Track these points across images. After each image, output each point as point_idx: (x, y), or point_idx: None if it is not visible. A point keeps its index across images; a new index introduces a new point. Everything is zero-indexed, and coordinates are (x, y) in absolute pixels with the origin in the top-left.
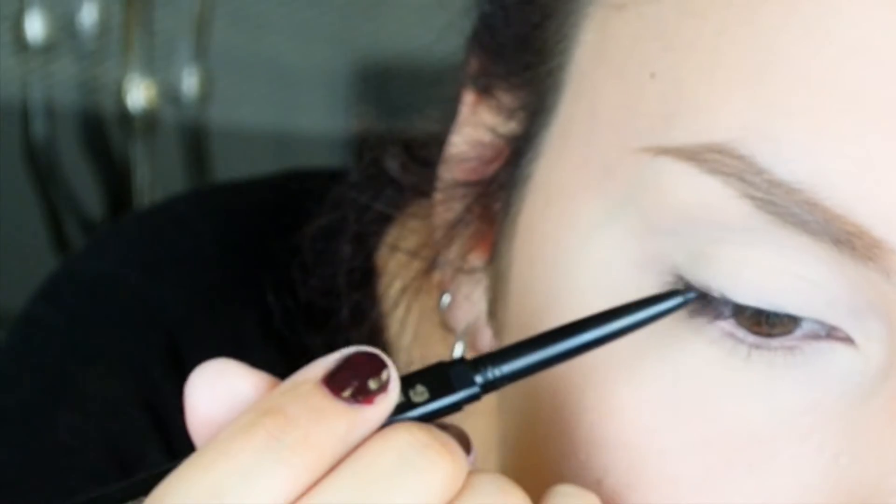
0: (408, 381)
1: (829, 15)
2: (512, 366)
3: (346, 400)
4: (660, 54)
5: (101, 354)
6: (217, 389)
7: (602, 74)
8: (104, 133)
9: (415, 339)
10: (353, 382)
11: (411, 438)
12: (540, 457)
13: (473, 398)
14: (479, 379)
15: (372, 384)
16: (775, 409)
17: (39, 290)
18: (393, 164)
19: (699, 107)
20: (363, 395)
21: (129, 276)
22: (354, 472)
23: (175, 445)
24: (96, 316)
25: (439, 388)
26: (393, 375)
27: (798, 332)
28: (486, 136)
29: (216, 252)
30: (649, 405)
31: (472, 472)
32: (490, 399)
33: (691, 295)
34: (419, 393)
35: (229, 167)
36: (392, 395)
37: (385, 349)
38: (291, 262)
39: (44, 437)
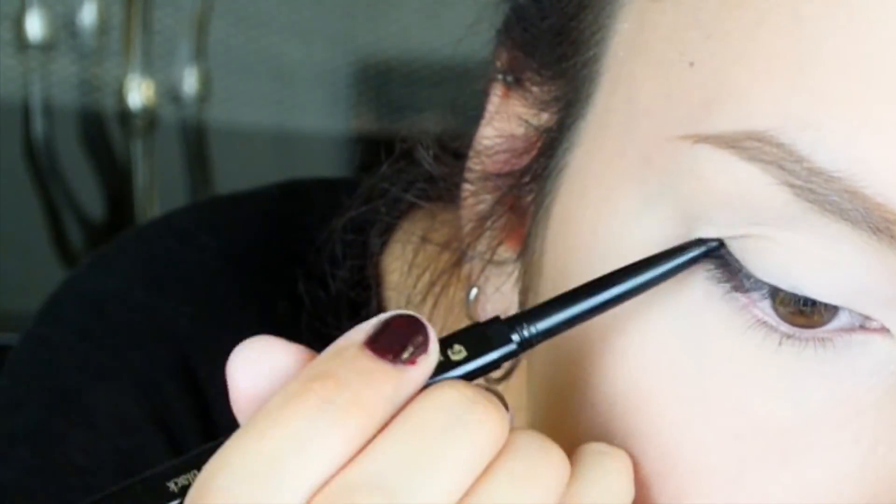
0: (446, 342)
1: (871, 7)
2: (547, 322)
3: (391, 361)
4: (699, 43)
5: (110, 371)
6: (261, 365)
7: (640, 64)
8: (104, 132)
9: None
10: (395, 344)
11: (458, 395)
12: (576, 439)
13: (511, 355)
14: (515, 336)
15: (413, 345)
16: (805, 401)
17: (42, 309)
18: (425, 156)
19: (739, 94)
20: (406, 356)
21: (135, 292)
22: (406, 430)
23: None
24: (104, 333)
25: (477, 347)
26: (432, 335)
27: (833, 324)
28: (518, 128)
29: (221, 264)
30: (679, 396)
31: (513, 430)
32: (513, 395)
33: (714, 243)
34: (457, 352)
35: (229, 166)
36: (433, 355)
37: None
38: (297, 272)
39: (56, 457)
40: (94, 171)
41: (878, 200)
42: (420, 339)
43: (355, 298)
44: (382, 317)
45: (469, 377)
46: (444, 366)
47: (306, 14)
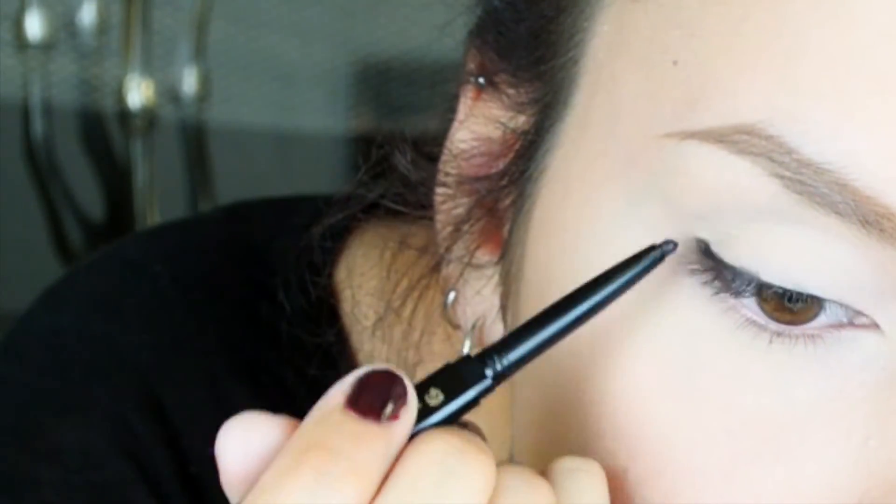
0: (422, 388)
1: (857, 1)
2: (517, 352)
3: (376, 420)
4: (682, 41)
5: (74, 406)
6: (249, 443)
7: (621, 65)
8: (104, 132)
9: (414, 339)
10: (376, 402)
11: (446, 446)
12: (565, 446)
13: (487, 391)
14: (488, 372)
15: (392, 399)
16: (797, 397)
17: None
18: (402, 160)
19: (725, 89)
20: (389, 412)
21: (93, 325)
22: (401, 490)
23: (162, 490)
24: (64, 367)
25: (453, 388)
26: (409, 386)
27: (820, 319)
28: (494, 131)
29: (175, 292)
30: (670, 395)
31: (499, 468)
32: (493, 398)
33: (669, 246)
34: (434, 396)
35: (229, 165)
36: (413, 406)
37: (351, 356)
38: (253, 291)
39: (27, 496)
40: (94, 170)
41: (868, 193)
42: (398, 391)
43: (325, 307)
44: (357, 374)
45: (449, 420)
46: (424, 412)
47: (306, 14)
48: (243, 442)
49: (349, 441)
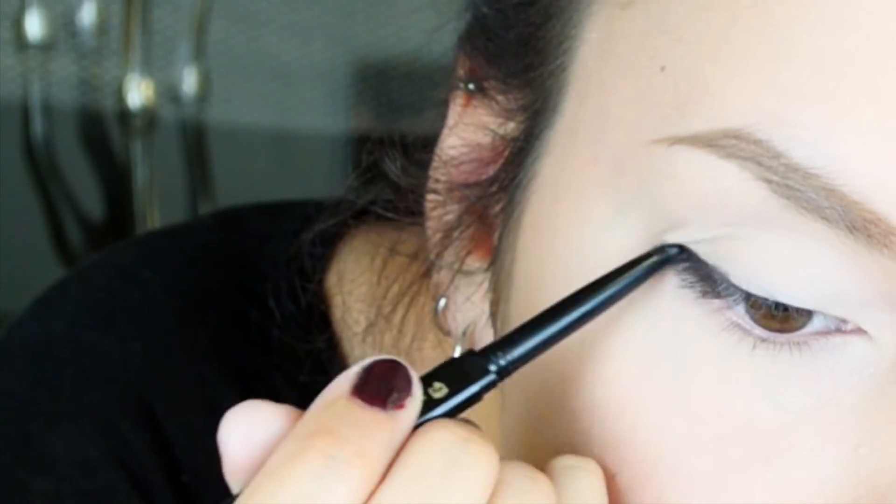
0: (426, 380)
1: (845, 4)
2: (521, 348)
3: (382, 408)
4: (669, 47)
5: (64, 414)
6: (252, 430)
7: (610, 71)
8: (103, 131)
9: (405, 346)
10: (381, 390)
11: (451, 436)
12: (552, 452)
13: (491, 386)
14: (492, 367)
15: (397, 389)
16: (785, 403)
17: None
18: (392, 167)
19: (713, 94)
20: (394, 401)
21: (83, 333)
22: (407, 478)
23: (154, 498)
24: (55, 376)
25: (457, 382)
26: (414, 377)
27: (808, 328)
28: (484, 138)
29: (166, 299)
30: (657, 402)
31: (501, 463)
32: (483, 406)
33: (673, 249)
34: (438, 389)
35: (228, 165)
36: (418, 396)
37: (342, 362)
38: (244, 298)
39: None
40: (94, 170)
41: (855, 199)
42: (403, 380)
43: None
44: (364, 363)
45: (452, 413)
46: (428, 404)
47: (306, 14)
48: (247, 429)
49: (355, 427)
